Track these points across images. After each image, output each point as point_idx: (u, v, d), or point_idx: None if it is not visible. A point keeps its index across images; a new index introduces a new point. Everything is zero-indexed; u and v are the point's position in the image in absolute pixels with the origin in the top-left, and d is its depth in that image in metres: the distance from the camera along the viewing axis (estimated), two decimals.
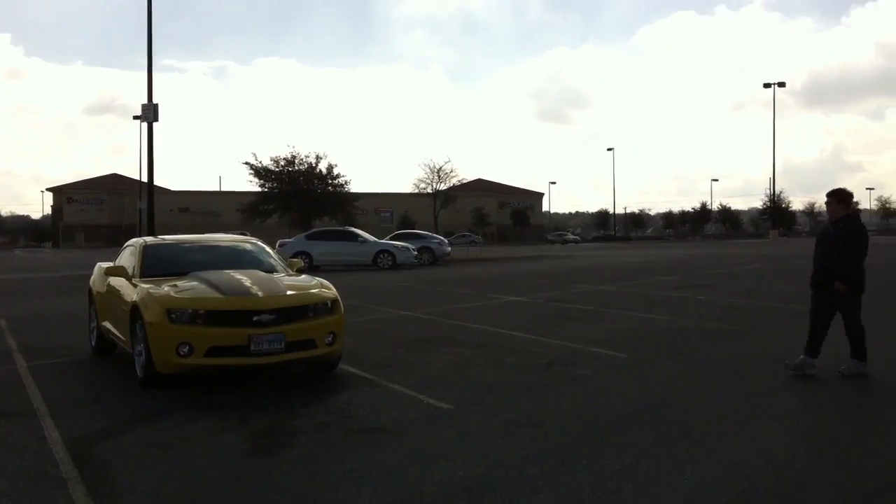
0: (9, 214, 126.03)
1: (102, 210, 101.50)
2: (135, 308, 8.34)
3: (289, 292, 8.54)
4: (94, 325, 10.54)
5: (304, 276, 9.81)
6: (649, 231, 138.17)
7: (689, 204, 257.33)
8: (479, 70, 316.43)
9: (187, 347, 7.77)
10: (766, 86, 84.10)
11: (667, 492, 5.04)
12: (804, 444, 6.31)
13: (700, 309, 15.25)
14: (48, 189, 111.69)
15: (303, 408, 7.35)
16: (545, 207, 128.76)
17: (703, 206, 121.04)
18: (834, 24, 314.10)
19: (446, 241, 39.54)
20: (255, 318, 7.93)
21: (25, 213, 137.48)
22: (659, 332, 12.12)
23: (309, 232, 34.78)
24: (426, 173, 78.32)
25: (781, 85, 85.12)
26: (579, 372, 8.99)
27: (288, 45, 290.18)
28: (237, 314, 7.97)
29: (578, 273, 27.89)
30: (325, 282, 9.15)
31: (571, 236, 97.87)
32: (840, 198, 8.59)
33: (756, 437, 6.27)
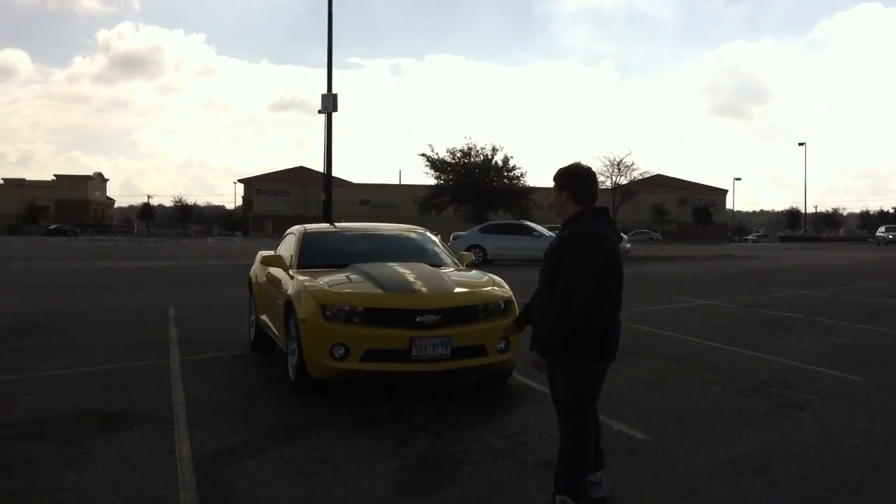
0: (205, 204, 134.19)
1: (289, 201, 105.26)
2: (289, 302, 7.54)
3: (457, 290, 7.45)
4: (253, 317, 9.92)
5: (474, 271, 8.70)
6: (842, 231, 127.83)
7: (883, 203, 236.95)
8: (649, 65, 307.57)
9: (343, 349, 6.84)
10: None
11: None
12: None
13: None
14: (239, 181, 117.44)
15: (469, 428, 6.23)
16: (728, 205, 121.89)
17: None
18: None
19: (626, 237, 37.55)
20: (418, 319, 6.89)
21: (220, 203, 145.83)
22: (891, 349, 10.17)
23: (483, 225, 33.88)
24: (605, 166, 75.24)
25: None
26: (803, 397, 7.37)
27: (456, 43, 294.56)
28: (398, 313, 6.95)
29: (774, 275, 25.46)
30: (498, 279, 8.00)
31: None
32: (563, 182, 4.48)
33: None
